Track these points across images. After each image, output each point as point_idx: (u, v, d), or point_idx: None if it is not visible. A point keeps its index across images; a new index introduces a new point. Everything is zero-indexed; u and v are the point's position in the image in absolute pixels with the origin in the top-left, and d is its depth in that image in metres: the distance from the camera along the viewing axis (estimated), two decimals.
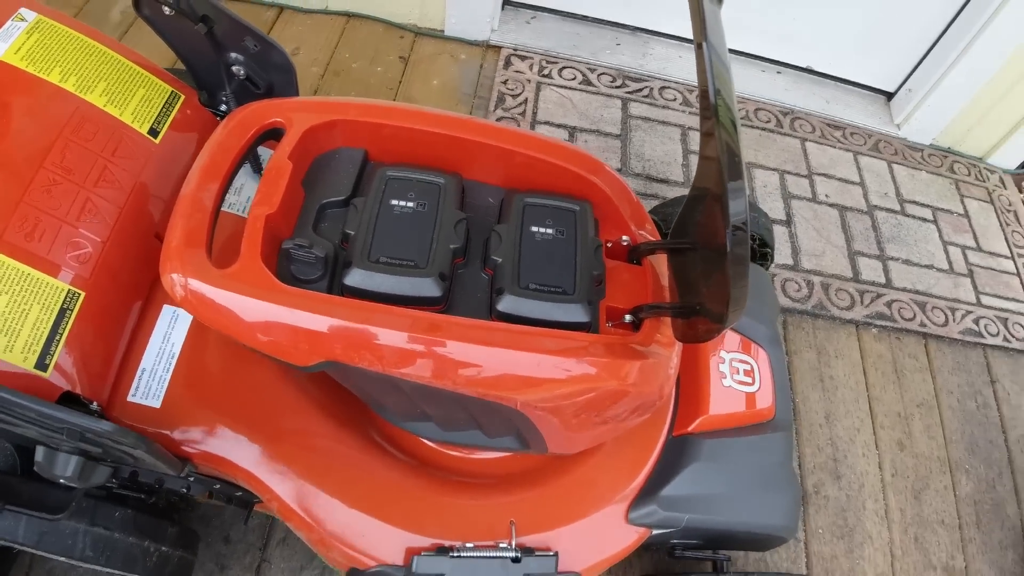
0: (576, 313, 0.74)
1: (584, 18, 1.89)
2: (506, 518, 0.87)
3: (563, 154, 0.85)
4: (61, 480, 0.66)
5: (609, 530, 0.91)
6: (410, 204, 0.75)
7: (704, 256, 0.69)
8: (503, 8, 1.78)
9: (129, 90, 0.86)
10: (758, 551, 1.07)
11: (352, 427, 0.87)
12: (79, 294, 0.73)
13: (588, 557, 0.89)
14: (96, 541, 0.81)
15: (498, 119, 1.63)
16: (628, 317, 0.77)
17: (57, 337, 0.71)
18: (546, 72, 1.75)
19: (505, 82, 1.70)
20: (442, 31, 1.79)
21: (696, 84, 1.64)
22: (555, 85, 1.74)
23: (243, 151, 0.75)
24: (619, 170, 1.65)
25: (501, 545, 0.83)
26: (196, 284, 0.65)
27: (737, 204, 0.56)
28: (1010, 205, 2.01)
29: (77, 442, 0.63)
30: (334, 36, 1.73)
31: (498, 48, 1.79)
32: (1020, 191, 2.13)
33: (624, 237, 0.84)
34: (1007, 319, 1.71)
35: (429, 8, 1.73)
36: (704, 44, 0.58)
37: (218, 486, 0.87)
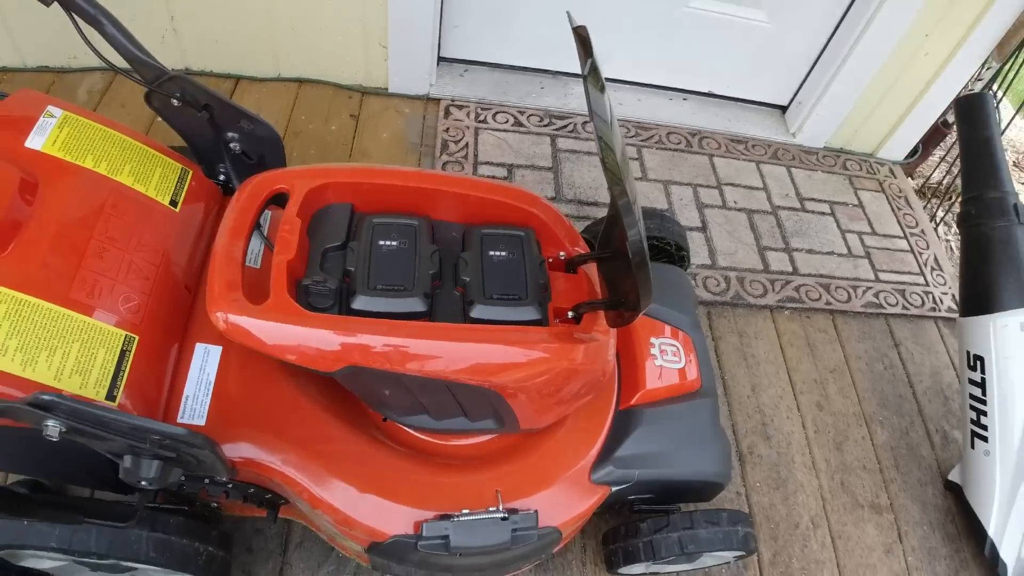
0: (530, 313, 0.95)
1: (510, 67, 2.13)
2: (492, 488, 1.06)
3: (506, 193, 1.08)
4: (143, 483, 0.83)
5: (576, 490, 1.11)
6: (393, 243, 0.96)
7: (623, 260, 0.91)
8: (438, 64, 2.00)
9: (149, 169, 1.04)
10: (704, 500, 1.27)
11: (359, 428, 1.06)
12: (134, 338, 0.91)
13: (563, 513, 1.09)
14: (157, 544, 0.97)
15: (444, 164, 1.84)
16: (571, 314, 0.99)
17: (121, 373, 0.89)
18: (482, 118, 1.98)
19: (447, 130, 1.92)
20: (386, 89, 2.00)
21: (616, 117, 1.89)
22: (491, 129, 1.97)
23: (258, 213, 0.95)
24: (553, 198, 1.88)
25: (491, 509, 1.02)
26: (240, 319, 0.84)
27: (629, 219, 0.77)
28: (900, 192, 2.30)
29: (157, 448, 0.80)
30: (289, 100, 1.93)
31: (437, 100, 2.01)
32: (910, 178, 2.44)
33: (561, 252, 1.07)
34: (904, 290, 1.98)
35: (373, 69, 1.95)
36: (593, 116, 0.79)
37: (252, 490, 1.05)
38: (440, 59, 2.01)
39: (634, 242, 0.77)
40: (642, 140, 2.09)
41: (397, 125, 1.94)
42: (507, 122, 2.00)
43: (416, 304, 0.91)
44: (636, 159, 2.04)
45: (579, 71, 2.12)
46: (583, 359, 0.95)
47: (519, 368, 0.91)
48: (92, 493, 1.23)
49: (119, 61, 1.03)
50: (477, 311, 0.94)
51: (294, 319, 0.84)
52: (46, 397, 0.70)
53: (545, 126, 2.03)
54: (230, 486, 1.02)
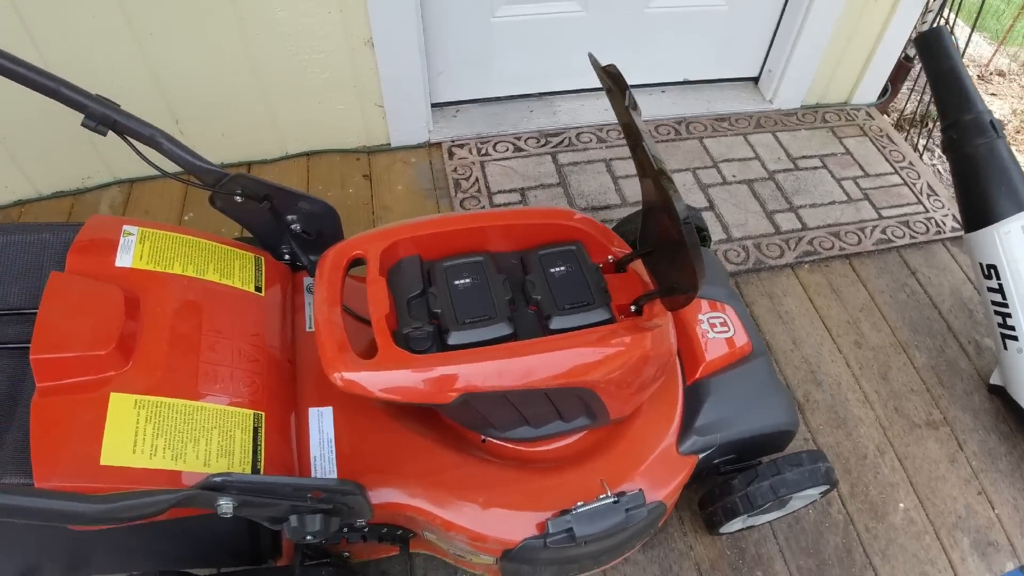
0: (601, 315, 1.07)
1: (497, 99, 2.26)
2: (595, 480, 1.16)
3: (546, 215, 1.20)
4: (308, 537, 0.93)
5: (669, 464, 1.21)
6: (467, 280, 1.07)
7: (667, 250, 1.02)
8: (432, 111, 2.13)
9: (229, 264, 1.15)
10: (779, 450, 1.37)
11: (465, 452, 1.16)
12: (261, 415, 1.01)
13: (663, 487, 1.19)
14: None
15: (461, 201, 1.96)
16: (632, 308, 1.10)
17: (259, 448, 0.99)
18: (484, 151, 2.10)
19: (455, 170, 2.04)
20: (389, 144, 2.12)
21: (604, 122, 2.01)
22: (494, 160, 2.09)
23: (343, 280, 1.06)
24: None
25: (601, 497, 1.12)
26: (357, 375, 0.94)
27: (680, 206, 0.88)
28: (881, 131, 2.42)
29: (316, 504, 0.91)
30: (302, 174, 2.04)
31: (439, 144, 2.13)
32: (886, 116, 2.56)
33: (609, 256, 1.18)
34: (907, 221, 2.10)
35: (373, 129, 2.07)
36: (643, 136, 0.91)
37: (385, 530, 1.15)
38: (432, 105, 2.13)
39: (688, 228, 0.88)
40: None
41: (408, 175, 2.05)
42: (507, 150, 2.12)
43: (503, 328, 1.02)
44: (630, 157, 2.15)
45: (560, 89, 2.25)
46: (652, 345, 1.06)
47: (605, 363, 1.02)
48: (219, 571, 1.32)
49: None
50: (556, 323, 1.04)
51: (408, 364, 0.95)
52: (218, 479, 0.80)
53: (543, 146, 2.15)
54: (366, 529, 1.12)
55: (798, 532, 1.49)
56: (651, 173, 0.91)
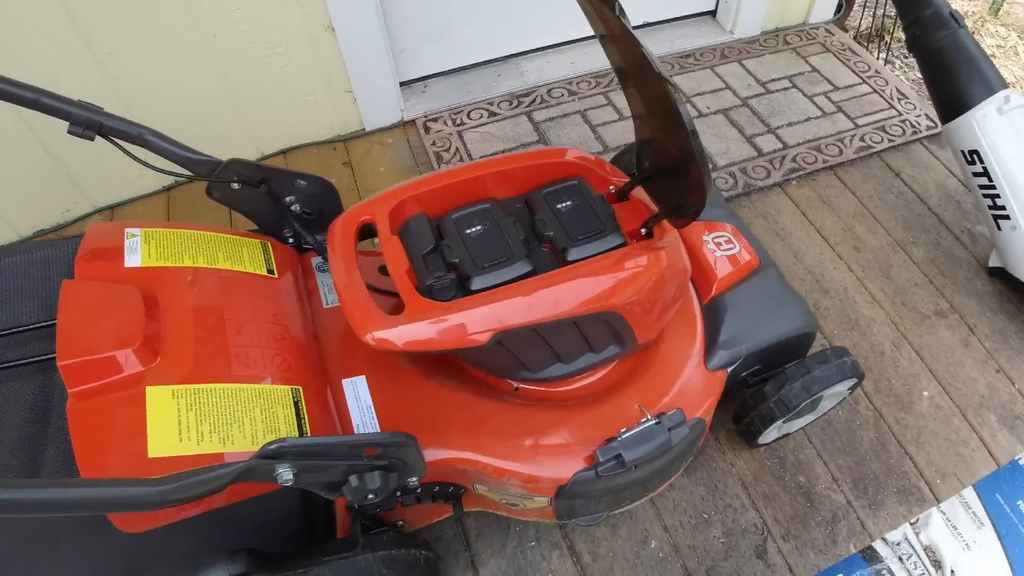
0: (614, 240, 1.07)
1: (463, 69, 2.25)
2: (632, 407, 1.18)
3: (542, 155, 1.20)
4: (370, 496, 0.93)
5: (701, 381, 1.23)
6: (478, 227, 1.07)
7: (669, 171, 1.04)
8: (401, 89, 2.12)
9: (238, 252, 1.14)
10: (803, 355, 1.39)
11: (504, 402, 1.17)
12: (298, 388, 1.01)
13: (699, 404, 1.21)
14: (385, 562, 1.05)
15: None
16: (643, 231, 1.11)
17: (303, 421, 0.98)
18: (459, 121, 2.10)
19: (433, 143, 2.03)
20: (363, 129, 2.11)
21: (573, 75, 2.01)
22: (471, 128, 2.08)
23: (355, 246, 1.05)
24: None
25: (643, 420, 1.14)
26: (389, 332, 0.94)
27: (686, 116, 0.89)
28: (844, 45, 2.45)
29: (373, 461, 0.91)
30: None
31: (412, 121, 2.12)
32: (844, 30, 2.59)
33: (610, 187, 1.19)
34: (883, 126, 2.13)
35: (345, 116, 2.05)
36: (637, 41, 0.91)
37: (437, 488, 1.15)
38: (400, 84, 2.12)
39: (694, 137, 0.89)
40: (604, 87, 2.22)
41: (388, 157, 2.05)
42: (482, 116, 2.12)
43: (523, 267, 1.02)
44: (606, 104, 2.17)
45: (522, 49, 2.24)
46: (669, 262, 1.07)
47: (627, 284, 1.02)
48: None
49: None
50: (572, 254, 1.05)
51: (439, 312, 0.95)
52: (273, 445, 0.80)
53: (516, 107, 2.15)
54: (419, 490, 1.12)
55: (831, 434, 1.51)
56: (654, 80, 0.91)
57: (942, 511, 1.41)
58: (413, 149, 2.07)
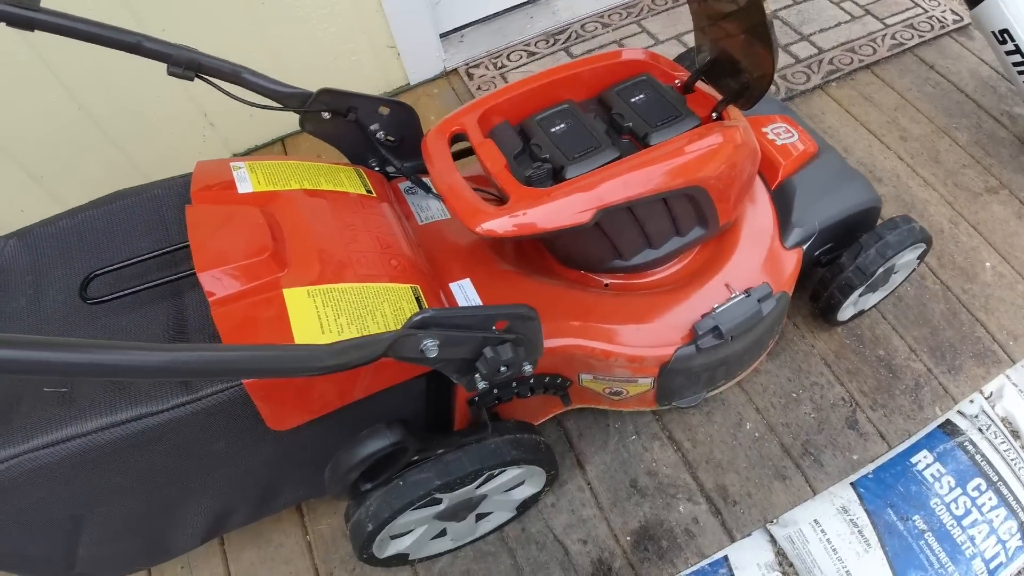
0: (691, 122, 1.14)
1: (496, 15, 2.30)
2: (720, 286, 1.24)
3: (608, 57, 1.26)
4: (503, 368, 0.96)
5: (780, 257, 1.29)
6: (562, 125, 1.14)
7: (731, 56, 1.10)
8: (441, 41, 2.18)
9: (336, 176, 1.20)
10: (871, 228, 1.43)
11: (600, 295, 1.24)
12: (417, 286, 1.07)
13: (781, 278, 1.27)
14: (512, 444, 1.12)
15: None
16: (714, 115, 1.17)
17: None
18: (500, 65, 2.15)
19: (478, 88, 2.09)
20: (408, 83, 2.17)
21: (604, 8, 2.05)
22: (512, 69, 2.14)
23: (450, 151, 1.12)
24: None
25: (733, 295, 1.20)
26: (500, 221, 1.00)
27: None
28: None
29: (503, 334, 0.97)
30: None
31: (455, 70, 2.18)
32: None
33: (676, 80, 1.24)
34: (911, 23, 2.15)
35: (390, 72, 2.11)
36: None
37: (547, 379, 1.22)
38: (440, 36, 2.18)
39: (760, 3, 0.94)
40: (636, 16, 2.26)
41: (436, 107, 2.11)
42: (521, 58, 2.17)
43: (611, 153, 1.09)
44: (640, 32, 2.21)
45: None
46: (742, 138, 1.13)
47: (710, 158, 1.08)
48: None
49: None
50: (654, 139, 1.11)
51: (545, 198, 1.01)
52: (419, 316, 0.85)
53: (553, 45, 2.20)
54: (532, 380, 1.19)
55: (903, 309, 1.56)
56: None
57: (1014, 383, 1.46)
58: (459, 96, 2.13)
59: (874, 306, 1.56)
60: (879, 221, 1.41)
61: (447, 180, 1.07)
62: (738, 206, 1.25)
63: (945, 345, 1.51)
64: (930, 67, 2.05)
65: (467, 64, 2.17)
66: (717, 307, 1.18)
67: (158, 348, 0.65)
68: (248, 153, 2.10)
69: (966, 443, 1.41)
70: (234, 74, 1.14)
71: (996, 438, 1.42)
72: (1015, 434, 1.41)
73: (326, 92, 1.18)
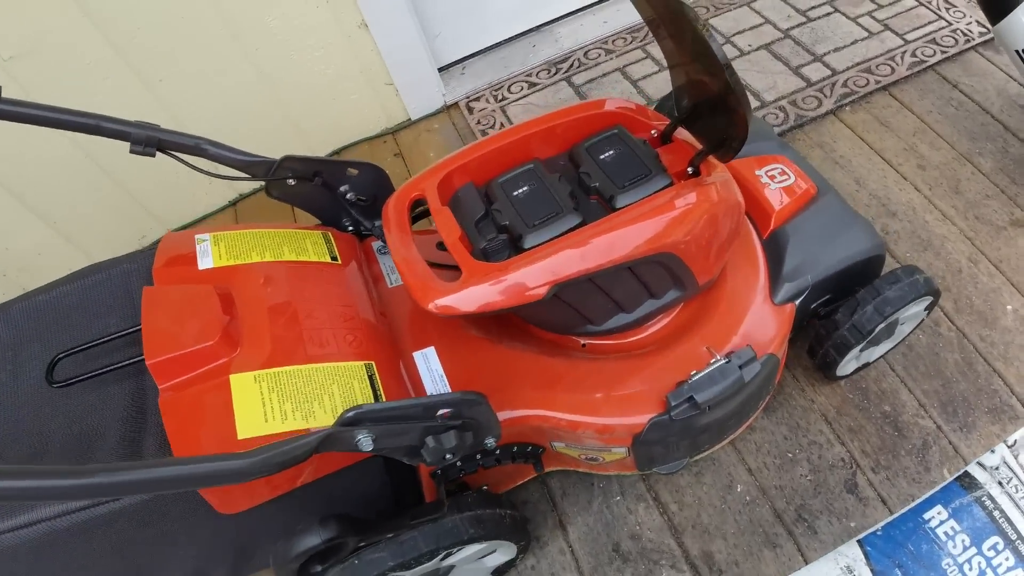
0: (661, 182, 1.08)
1: (498, 45, 2.26)
2: (700, 350, 1.18)
3: (581, 109, 1.21)
4: (448, 455, 0.96)
5: (769, 315, 1.22)
6: (525, 188, 1.09)
7: (709, 107, 1.03)
8: (440, 74, 2.14)
9: (301, 243, 1.19)
10: (874, 277, 1.35)
11: (569, 358, 1.19)
12: (371, 363, 1.04)
13: (769, 339, 1.19)
14: (471, 521, 1.08)
15: None
16: (689, 170, 1.11)
17: (378, 393, 1.02)
18: (500, 97, 2.12)
19: (478, 122, 2.06)
20: (409, 119, 2.15)
21: (606, 34, 1.98)
22: (513, 101, 2.10)
23: (409, 221, 1.09)
24: None
25: (712, 361, 1.14)
26: (451, 299, 0.97)
27: (718, 48, 0.88)
28: None
29: (447, 422, 0.94)
30: None
31: (456, 104, 2.15)
32: None
33: (652, 131, 1.18)
34: (934, 38, 2.04)
35: (390, 109, 2.10)
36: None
37: (515, 448, 1.18)
38: (439, 69, 2.15)
39: (730, 71, 0.88)
40: (640, 41, 2.20)
41: (436, 141, 2.08)
42: (522, 89, 2.13)
43: (573, 219, 1.03)
44: (645, 57, 2.15)
45: (554, 16, 2.23)
46: (719, 197, 1.07)
47: (679, 222, 1.03)
48: None
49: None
50: (620, 201, 1.05)
51: (496, 274, 0.97)
52: (351, 412, 0.83)
53: (555, 75, 2.15)
54: (498, 452, 1.15)
55: (914, 359, 1.47)
56: (683, 21, 0.91)
57: None
58: (459, 131, 2.10)
59: (881, 356, 1.47)
60: (885, 268, 1.33)
61: (402, 253, 1.04)
62: (718, 265, 1.18)
63: (958, 399, 1.41)
64: (953, 86, 1.93)
65: (468, 97, 2.14)
66: (694, 374, 1.12)
67: (69, 472, 0.65)
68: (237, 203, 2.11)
69: (984, 498, 1.31)
70: (196, 147, 1.13)
71: (1017, 492, 1.32)
72: None
73: (290, 159, 1.16)
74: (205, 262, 1.10)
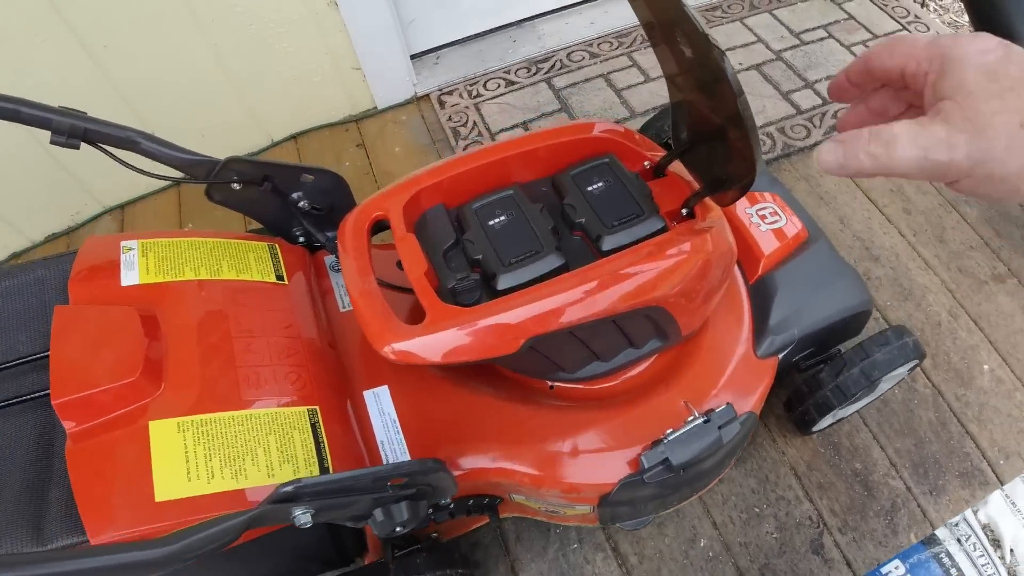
0: (653, 225, 0.97)
1: (477, 36, 2.12)
2: (677, 405, 1.08)
3: (567, 132, 1.08)
4: (399, 528, 0.85)
5: (750, 370, 1.13)
6: (502, 217, 0.97)
7: (710, 141, 0.92)
8: (412, 62, 2.00)
9: (243, 258, 1.05)
10: (857, 334, 1.28)
11: (535, 403, 1.08)
12: (315, 408, 0.92)
13: (749, 396, 1.11)
14: None
15: (464, 148, 1.85)
16: (684, 212, 1.00)
17: (322, 445, 0.90)
18: (475, 93, 1.98)
19: (449, 118, 1.92)
20: (376, 108, 2.00)
21: (593, 36, 1.87)
22: (488, 99, 1.97)
23: (368, 246, 0.96)
24: None
25: (690, 419, 1.04)
26: (409, 344, 0.85)
27: (732, 74, 0.77)
28: None
29: (399, 492, 0.83)
30: (293, 158, 1.93)
31: (427, 96, 2.01)
32: None
33: (645, 162, 1.07)
34: None
35: (356, 95, 1.95)
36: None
37: (471, 502, 1.08)
38: (411, 57, 2.01)
39: (743, 101, 0.76)
40: (627, 47, 2.09)
41: (403, 135, 1.94)
42: (499, 87, 2.00)
43: (554, 260, 0.92)
44: (631, 66, 2.03)
45: (540, 11, 2.10)
46: (713, 245, 0.96)
47: (671, 274, 0.92)
48: None
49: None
50: (607, 243, 0.95)
51: (462, 320, 0.85)
52: (288, 487, 0.71)
53: (535, 74, 2.02)
54: (452, 506, 1.04)
55: (888, 415, 1.41)
56: (693, 35, 0.79)
57: (1003, 491, 1.32)
58: (429, 125, 1.96)
59: (856, 411, 1.40)
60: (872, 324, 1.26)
61: (357, 285, 0.92)
62: (705, 315, 1.09)
63: (929, 460, 1.36)
64: None
65: (440, 90, 2.00)
66: (670, 433, 1.02)
67: None
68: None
69: (942, 554, 1.28)
70: (128, 141, 0.98)
71: (975, 550, 1.29)
72: (995, 543, 1.29)
73: (235, 160, 1.02)
74: (130, 277, 0.96)
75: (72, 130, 0.94)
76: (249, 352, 0.93)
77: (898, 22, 2.15)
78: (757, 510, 1.31)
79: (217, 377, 0.88)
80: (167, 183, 1.82)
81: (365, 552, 1.11)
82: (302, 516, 0.73)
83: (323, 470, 0.88)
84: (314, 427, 0.91)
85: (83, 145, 0.96)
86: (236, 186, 1.05)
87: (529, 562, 1.28)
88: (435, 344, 0.86)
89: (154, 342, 0.88)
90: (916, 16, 2.17)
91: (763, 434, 1.39)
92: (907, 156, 0.47)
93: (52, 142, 0.94)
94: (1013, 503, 1.33)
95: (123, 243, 1.01)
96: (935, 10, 2.50)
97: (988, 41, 0.47)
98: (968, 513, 1.31)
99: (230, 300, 0.98)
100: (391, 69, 1.91)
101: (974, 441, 1.38)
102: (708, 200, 1.00)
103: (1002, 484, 1.34)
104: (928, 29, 2.12)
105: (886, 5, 2.21)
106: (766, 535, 1.28)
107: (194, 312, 0.94)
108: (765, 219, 1.26)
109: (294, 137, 1.98)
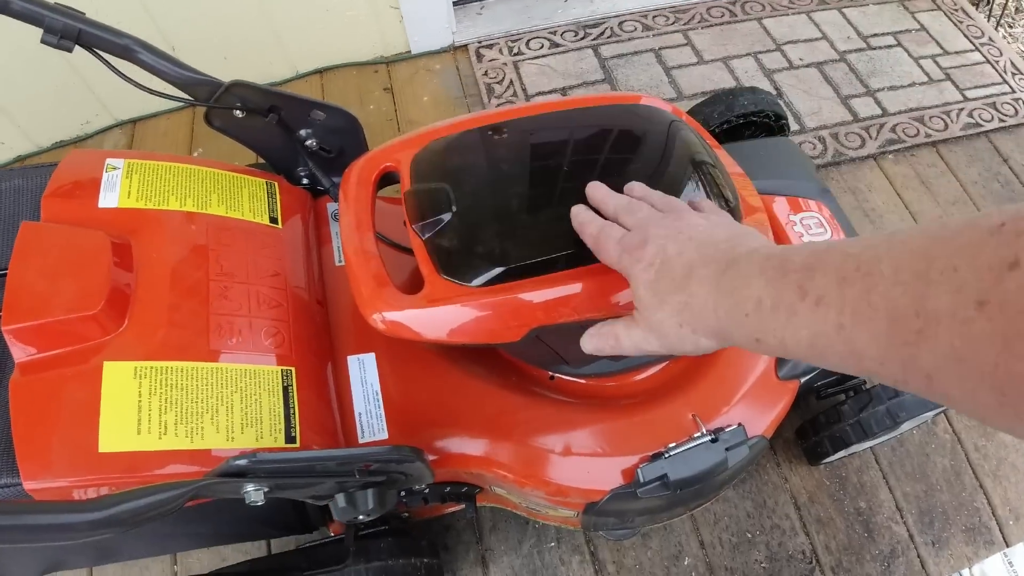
0: None
1: None
2: (686, 416, 1.00)
3: (610, 101, 0.98)
4: (362, 517, 0.78)
5: (769, 391, 1.04)
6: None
7: None
8: (454, 9, 1.88)
9: (237, 193, 0.96)
10: None
11: (532, 393, 1.00)
12: (290, 370, 0.84)
13: (764, 419, 1.02)
14: (379, 573, 0.93)
15: (497, 106, 1.75)
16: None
17: (292, 411, 0.82)
18: (516, 51, 1.87)
19: (485, 73, 1.81)
20: (409, 52, 1.89)
21: (649, 7, 1.75)
22: (529, 59, 1.85)
23: (373, 200, 0.87)
24: None
25: (696, 435, 0.96)
26: (401, 315, 0.77)
27: None
28: (956, 4, 2.14)
29: (366, 477, 0.75)
30: (316, 94, 1.83)
31: (464, 47, 1.90)
32: None
33: None
34: (994, 102, 1.85)
35: (390, 36, 1.84)
36: None
37: (448, 489, 1.00)
38: (454, 3, 1.89)
39: None
40: (684, 24, 1.96)
41: (434, 84, 1.84)
42: (542, 47, 1.89)
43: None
44: (685, 44, 1.91)
45: None
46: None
47: None
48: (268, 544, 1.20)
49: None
50: None
51: (464, 299, 0.77)
52: (239, 462, 0.64)
53: (582, 39, 1.91)
54: (427, 491, 0.97)
55: (903, 456, 1.32)
56: None
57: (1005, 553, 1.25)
58: (462, 78, 1.85)
59: (869, 447, 1.32)
60: None
61: (353, 240, 0.83)
62: None
63: (937, 510, 1.27)
64: (1004, 159, 1.75)
65: (480, 42, 1.88)
66: (673, 447, 0.94)
67: None
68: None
69: None
70: (125, 49, 0.88)
71: None
72: None
73: (239, 85, 0.93)
74: (109, 199, 0.87)
75: (66, 30, 0.84)
76: (225, 298, 0.85)
77: (971, 41, 2.01)
78: (749, 535, 1.23)
79: (186, 321, 0.80)
80: (182, 104, 1.76)
81: (330, 521, 1.04)
82: (254, 492, 0.65)
83: (289, 439, 0.80)
84: (286, 391, 0.83)
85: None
86: (239, 113, 0.96)
87: (502, 554, 1.21)
88: (429, 320, 0.77)
89: (123, 273, 0.80)
90: (990, 39, 2.03)
91: (767, 456, 1.30)
92: (628, 346, 0.66)
93: (43, 41, 0.84)
94: (1011, 563, 1.25)
95: (108, 160, 0.92)
96: (1005, 36, 2.36)
97: (649, 254, 0.60)
98: (964, 571, 1.24)
99: (214, 237, 0.89)
100: (431, 13, 1.80)
101: (987, 496, 1.29)
102: (752, 199, 0.91)
103: (1007, 545, 1.26)
104: (1001, 55, 1.99)
105: (961, 23, 2.07)
106: (754, 563, 1.21)
107: (172, 247, 0.85)
108: (809, 229, 1.16)
109: (320, 72, 1.87)
